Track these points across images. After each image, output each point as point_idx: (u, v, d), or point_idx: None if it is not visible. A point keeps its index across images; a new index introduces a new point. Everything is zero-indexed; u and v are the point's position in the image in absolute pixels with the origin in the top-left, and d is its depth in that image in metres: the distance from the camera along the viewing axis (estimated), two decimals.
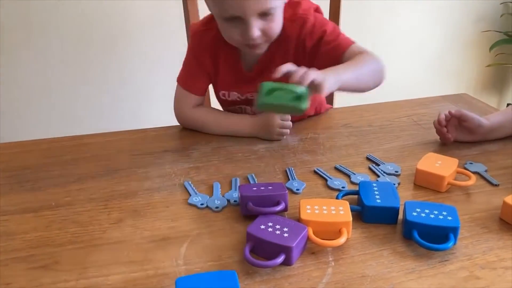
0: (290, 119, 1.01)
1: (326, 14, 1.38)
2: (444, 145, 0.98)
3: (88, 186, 0.84)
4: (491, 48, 2.20)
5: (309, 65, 0.84)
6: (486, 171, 0.88)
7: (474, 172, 0.87)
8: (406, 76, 2.24)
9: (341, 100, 1.35)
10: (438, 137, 1.00)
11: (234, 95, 1.09)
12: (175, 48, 1.77)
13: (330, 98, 1.37)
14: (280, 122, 1.00)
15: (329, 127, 1.08)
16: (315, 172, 0.88)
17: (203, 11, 1.15)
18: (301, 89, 0.78)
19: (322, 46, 0.99)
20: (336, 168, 0.90)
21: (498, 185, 0.84)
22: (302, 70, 0.80)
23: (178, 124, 1.08)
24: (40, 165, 0.92)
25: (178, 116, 1.08)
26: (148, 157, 0.94)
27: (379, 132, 1.05)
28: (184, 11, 1.29)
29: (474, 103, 1.23)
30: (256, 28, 0.91)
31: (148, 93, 1.99)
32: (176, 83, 1.09)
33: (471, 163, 0.91)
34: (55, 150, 0.98)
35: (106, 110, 1.97)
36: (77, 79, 1.89)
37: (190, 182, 0.84)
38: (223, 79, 1.08)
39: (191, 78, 1.07)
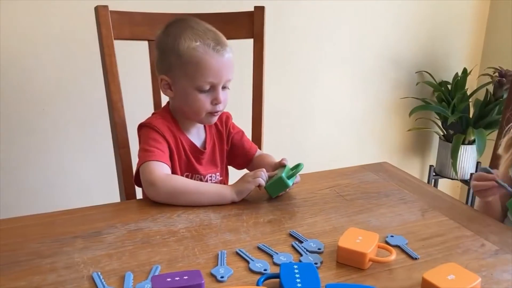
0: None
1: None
2: (367, 218, 0.99)
3: None
4: (410, 114, 2.32)
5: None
6: (406, 244, 0.89)
7: (395, 246, 0.87)
8: (330, 141, 2.30)
9: None
10: (360, 209, 1.02)
11: (197, 177, 1.16)
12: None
13: None
14: (254, 171, 1.06)
15: (253, 201, 1.05)
16: (236, 253, 0.85)
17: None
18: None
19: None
20: (258, 248, 0.87)
21: (418, 258, 0.84)
22: None
23: (91, 205, 1.01)
24: None
25: (155, 184, 1.01)
26: (55, 245, 0.86)
27: (302, 205, 1.04)
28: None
29: (393, 171, 1.26)
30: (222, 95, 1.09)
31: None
32: (137, 166, 1.08)
33: (392, 236, 0.91)
34: None
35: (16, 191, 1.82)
36: None
37: (99, 273, 0.77)
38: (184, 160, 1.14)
39: (159, 151, 1.06)
